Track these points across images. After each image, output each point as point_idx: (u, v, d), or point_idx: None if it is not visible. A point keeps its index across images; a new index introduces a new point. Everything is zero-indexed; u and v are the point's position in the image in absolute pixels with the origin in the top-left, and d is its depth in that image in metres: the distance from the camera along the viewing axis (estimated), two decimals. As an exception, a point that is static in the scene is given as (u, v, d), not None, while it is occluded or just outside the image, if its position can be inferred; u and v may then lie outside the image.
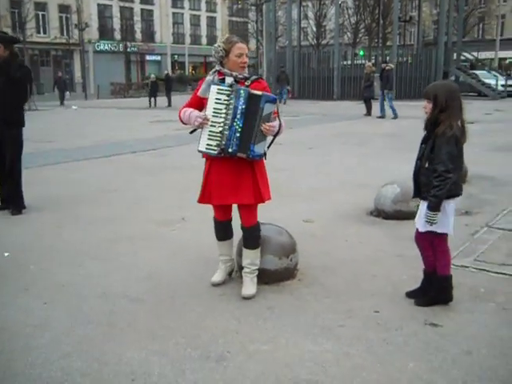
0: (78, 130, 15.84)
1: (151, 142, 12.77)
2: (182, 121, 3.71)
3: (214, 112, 3.51)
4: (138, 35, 49.33)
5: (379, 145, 11.68)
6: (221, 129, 3.50)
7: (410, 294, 3.76)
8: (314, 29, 50.46)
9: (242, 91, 3.46)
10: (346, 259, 4.55)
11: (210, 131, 3.51)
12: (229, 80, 3.55)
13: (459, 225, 5.43)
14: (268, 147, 3.69)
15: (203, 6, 55.84)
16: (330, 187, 7.44)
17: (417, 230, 3.63)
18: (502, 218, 5.72)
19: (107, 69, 45.22)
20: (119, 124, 18.06)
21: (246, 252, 3.87)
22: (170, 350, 3.07)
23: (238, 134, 3.47)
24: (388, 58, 27.50)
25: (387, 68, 19.28)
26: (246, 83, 3.58)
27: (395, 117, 18.07)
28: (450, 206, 3.47)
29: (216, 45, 3.61)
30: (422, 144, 3.53)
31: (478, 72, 31.24)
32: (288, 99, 26.86)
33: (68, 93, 28.32)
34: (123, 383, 2.76)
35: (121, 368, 2.89)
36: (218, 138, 3.50)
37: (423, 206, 3.49)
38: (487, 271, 4.23)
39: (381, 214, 5.83)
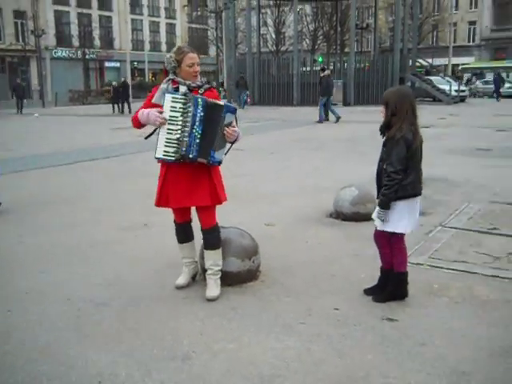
0: (38, 138, 15.61)
1: (113, 148, 12.71)
2: (136, 122, 3.78)
3: (169, 119, 3.62)
4: (97, 42, 48.79)
5: (338, 149, 11.94)
6: (178, 136, 3.60)
7: (367, 291, 3.93)
8: (274, 36, 50.98)
9: (199, 100, 3.58)
10: (306, 260, 4.69)
11: (167, 138, 3.62)
12: (182, 89, 3.69)
13: (414, 225, 5.67)
14: (225, 153, 3.80)
15: (162, 12, 55.65)
16: (291, 191, 7.59)
17: (376, 228, 3.80)
18: (454, 217, 5.98)
19: (65, 76, 44.54)
20: (80, 131, 17.86)
21: (207, 253, 3.97)
22: (136, 352, 3.13)
23: (197, 141, 3.59)
24: (325, 65, 28.01)
25: (324, 74, 20.21)
26: (199, 91, 3.72)
27: (337, 120, 18.95)
28: (404, 205, 3.63)
29: (168, 56, 3.75)
30: (383, 147, 3.71)
31: (432, 78, 32.18)
32: (247, 105, 27.14)
33: (25, 100, 27.77)
34: (91, 385, 2.81)
35: (87, 371, 2.94)
36: (176, 145, 3.61)
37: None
38: (440, 268, 4.44)
39: (340, 216, 6.01)
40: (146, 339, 3.27)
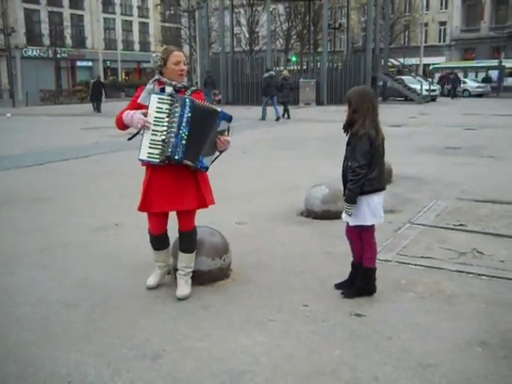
0: (8, 138, 15.36)
1: (84, 148, 12.59)
2: (121, 124, 3.71)
3: (155, 121, 3.57)
4: (69, 41, 48.14)
5: (311, 148, 12.03)
6: (163, 137, 3.55)
7: (338, 286, 4.00)
8: (247, 35, 51.01)
9: (187, 100, 3.55)
10: (277, 257, 4.74)
11: (152, 139, 3.56)
12: (168, 89, 3.65)
13: (384, 222, 5.75)
14: (213, 161, 3.79)
15: (135, 11, 55.20)
16: (263, 190, 7.64)
17: (347, 223, 3.87)
18: (422, 214, 6.10)
19: (36, 75, 43.85)
20: (51, 131, 17.63)
21: (181, 255, 3.97)
22: (105, 351, 3.13)
23: (184, 142, 3.55)
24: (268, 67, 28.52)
25: (264, 76, 21.57)
26: (186, 93, 3.69)
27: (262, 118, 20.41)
28: (370, 199, 3.71)
29: (154, 54, 3.71)
30: (347, 145, 3.78)
31: (404, 77, 32.64)
32: (215, 103, 27.21)
33: None
34: (59, 386, 2.81)
35: (56, 370, 2.93)
36: (160, 147, 3.56)
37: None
38: (408, 264, 4.53)
39: (311, 214, 6.07)
40: (115, 339, 3.28)
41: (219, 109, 3.67)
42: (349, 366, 2.96)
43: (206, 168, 3.72)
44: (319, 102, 28.92)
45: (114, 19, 52.73)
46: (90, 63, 49.60)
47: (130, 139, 3.81)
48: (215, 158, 3.80)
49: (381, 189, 3.75)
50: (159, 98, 3.58)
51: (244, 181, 8.39)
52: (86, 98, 32.70)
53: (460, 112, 22.84)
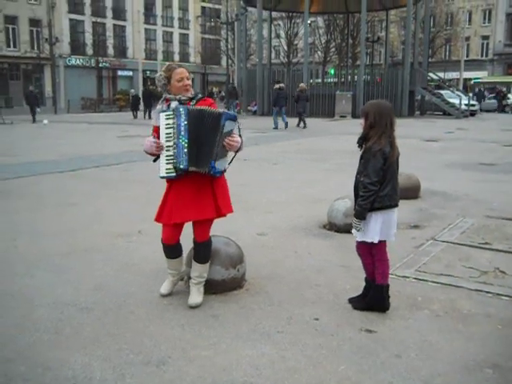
0: (45, 145, 15.79)
1: (116, 156, 12.83)
2: (149, 154, 3.81)
3: (166, 137, 3.66)
4: (110, 51, 49.33)
5: (340, 161, 11.95)
6: (174, 151, 3.64)
7: (351, 300, 3.95)
8: (285, 47, 51.24)
9: (181, 109, 3.61)
10: (293, 270, 4.71)
11: (167, 156, 3.66)
12: (173, 104, 3.72)
13: (407, 238, 5.71)
14: (230, 163, 3.83)
15: (176, 23, 56.18)
16: (288, 201, 7.63)
17: (357, 239, 3.83)
18: (447, 231, 5.98)
19: (78, 83, 45.03)
20: (87, 138, 18.04)
21: (195, 265, 3.99)
22: (112, 356, 3.17)
23: (185, 150, 3.61)
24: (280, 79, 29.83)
25: (275, 87, 23.38)
26: (191, 103, 3.76)
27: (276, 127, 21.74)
28: (380, 216, 3.65)
29: (158, 74, 3.82)
30: (360, 159, 3.76)
31: (442, 92, 32.17)
32: (240, 113, 28.01)
33: (38, 109, 28.01)
34: (64, 387, 2.86)
35: (63, 372, 2.99)
36: (172, 160, 3.65)
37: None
38: (426, 281, 4.45)
39: (333, 227, 6.03)
40: (123, 344, 3.32)
41: (221, 110, 3.69)
42: (352, 382, 2.92)
43: (221, 172, 3.73)
44: (355, 115, 28.72)
45: (155, 30, 53.76)
46: (130, 73, 50.66)
47: (154, 161, 3.85)
48: (232, 159, 3.82)
49: (392, 206, 3.69)
50: (166, 115, 3.67)
51: (269, 192, 8.39)
52: (125, 107, 34.43)
53: (499, 128, 22.34)
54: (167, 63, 3.99)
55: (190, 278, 4.04)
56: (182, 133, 3.61)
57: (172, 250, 4.03)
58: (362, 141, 3.67)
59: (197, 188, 3.75)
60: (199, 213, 3.79)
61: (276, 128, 21.75)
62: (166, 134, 3.65)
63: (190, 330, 3.52)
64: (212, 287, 4.07)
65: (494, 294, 4.17)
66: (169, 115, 3.65)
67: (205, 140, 3.63)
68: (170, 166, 3.65)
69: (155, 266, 4.71)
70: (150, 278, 4.49)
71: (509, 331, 3.56)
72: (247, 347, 3.29)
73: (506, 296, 4.13)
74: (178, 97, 3.73)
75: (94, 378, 2.94)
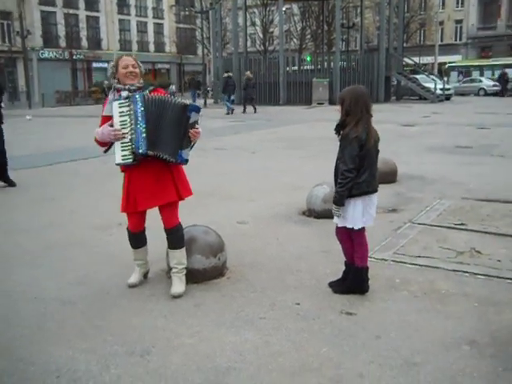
0: (21, 139, 15.56)
1: (93, 149, 12.67)
2: (98, 142, 3.85)
3: (121, 125, 3.69)
4: (84, 42, 48.61)
5: (318, 148, 12.01)
6: (130, 137, 3.68)
7: (331, 284, 4.02)
8: (261, 35, 51.04)
9: (136, 96, 3.68)
10: (274, 256, 4.77)
11: (122, 143, 3.70)
12: (124, 93, 3.78)
13: (385, 221, 5.79)
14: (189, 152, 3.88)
15: (150, 12, 55.50)
16: (267, 190, 7.67)
17: (337, 224, 3.89)
18: (424, 213, 6.08)
19: (52, 77, 44.29)
20: (63, 132, 17.84)
21: (172, 253, 4.03)
22: (97, 348, 3.19)
23: (143, 135, 3.66)
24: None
25: (224, 76, 25.64)
26: (144, 92, 3.81)
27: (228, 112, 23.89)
28: (359, 202, 3.72)
29: (110, 64, 3.94)
30: (340, 146, 3.80)
31: (418, 76, 32.40)
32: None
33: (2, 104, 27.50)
34: (48, 380, 2.88)
35: (47, 366, 3.00)
36: (129, 146, 3.69)
37: None
38: (404, 263, 4.53)
39: (312, 213, 6.09)
40: (107, 335, 3.34)
41: (187, 101, 3.81)
42: (334, 363, 2.98)
43: (187, 161, 3.84)
44: (332, 102, 28.79)
45: (129, 20, 53.09)
46: (105, 64, 49.87)
47: (106, 151, 3.95)
48: (191, 148, 3.89)
49: (371, 192, 3.74)
50: (119, 103, 3.71)
51: (249, 180, 8.42)
52: (101, 99, 33.72)
53: (474, 111, 22.62)
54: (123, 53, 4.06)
55: (170, 268, 4.07)
56: (140, 118, 3.65)
57: (139, 237, 4.11)
58: (340, 127, 3.71)
59: (156, 174, 3.83)
60: (162, 197, 3.87)
61: (228, 114, 23.79)
62: (121, 121, 3.68)
63: (173, 320, 3.55)
64: (193, 276, 4.10)
65: (471, 273, 4.27)
66: (122, 103, 3.69)
67: (169, 129, 3.72)
68: (127, 153, 3.69)
69: (136, 257, 4.72)
70: (130, 269, 4.46)
71: (485, 309, 3.66)
72: (230, 334, 3.34)
73: (482, 275, 4.23)
74: (126, 86, 3.80)
75: (78, 370, 2.96)
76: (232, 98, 25.21)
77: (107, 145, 3.84)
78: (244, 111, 24.53)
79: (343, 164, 3.63)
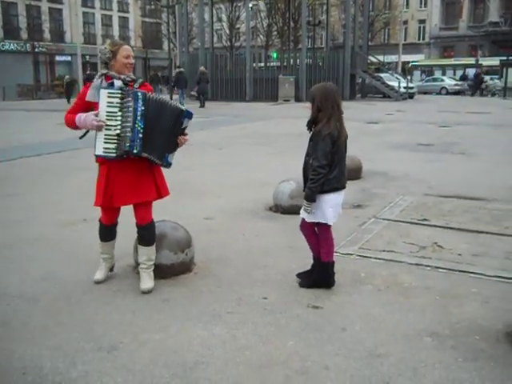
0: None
1: (58, 144, 12.48)
2: (72, 125, 3.75)
3: (107, 115, 3.59)
4: (47, 35, 47.56)
5: (285, 144, 12.10)
6: (118, 131, 3.58)
7: (299, 275, 4.09)
8: (228, 31, 50.92)
9: (139, 94, 3.59)
10: (241, 252, 4.80)
11: (106, 135, 3.59)
12: (118, 83, 3.66)
13: (350, 217, 5.89)
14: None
15: (115, 5, 54.65)
16: (234, 186, 7.69)
17: (302, 218, 3.94)
18: (388, 209, 6.21)
19: (13, 69, 43.15)
20: (26, 126, 17.45)
21: (142, 249, 4.01)
22: (63, 345, 3.17)
23: (140, 135, 3.59)
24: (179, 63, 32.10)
25: (176, 71, 26.95)
26: (134, 85, 3.73)
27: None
28: (329, 198, 3.78)
29: (102, 47, 3.71)
30: (309, 141, 3.85)
31: (382, 75, 32.90)
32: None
33: None
34: (15, 377, 2.84)
35: (12, 364, 2.96)
36: (116, 141, 3.59)
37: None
38: (369, 257, 4.63)
39: (279, 209, 6.15)
40: (74, 332, 3.31)
41: (183, 107, 3.77)
42: (300, 356, 3.04)
43: (170, 164, 3.82)
44: (298, 99, 29.00)
45: (94, 14, 52.19)
46: (69, 58, 49.03)
47: (81, 138, 3.88)
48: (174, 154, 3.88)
49: (340, 188, 3.81)
50: (109, 93, 3.59)
51: (216, 177, 8.43)
52: (63, 94, 33.28)
53: (436, 109, 23.13)
54: (108, 40, 3.91)
55: (138, 264, 4.05)
56: (139, 118, 3.57)
57: (110, 230, 4.07)
58: (311, 124, 3.75)
59: (137, 171, 3.77)
60: (141, 195, 3.83)
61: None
62: (109, 112, 3.58)
63: (141, 315, 3.55)
64: (161, 272, 4.09)
65: (433, 267, 4.39)
66: (113, 93, 3.58)
67: (163, 132, 3.67)
68: (111, 146, 3.59)
69: (103, 253, 4.68)
70: (96, 265, 4.42)
71: (446, 301, 3.77)
72: (198, 329, 3.36)
73: (443, 269, 4.36)
74: (122, 76, 3.68)
75: (44, 367, 2.93)
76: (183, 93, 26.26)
77: (79, 128, 3.73)
78: (202, 105, 24.89)
79: (316, 160, 3.67)
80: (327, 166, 3.66)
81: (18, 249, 4.93)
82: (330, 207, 3.81)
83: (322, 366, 2.94)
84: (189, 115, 3.75)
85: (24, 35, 45.38)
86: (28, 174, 8.86)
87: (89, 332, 3.31)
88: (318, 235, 3.91)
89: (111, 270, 4.22)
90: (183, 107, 3.79)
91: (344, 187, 3.86)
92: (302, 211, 3.87)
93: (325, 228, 3.89)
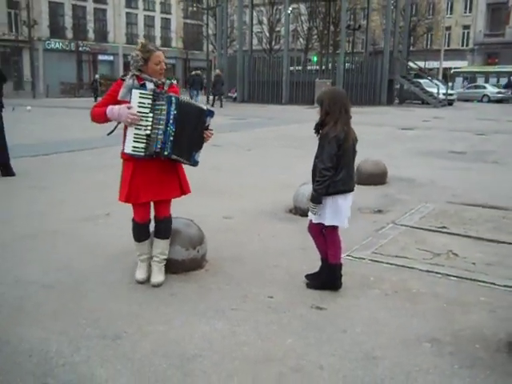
0: (23, 129, 15.69)
1: (92, 140, 12.80)
2: (101, 117, 3.82)
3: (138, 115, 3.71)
4: (91, 34, 48.77)
5: (315, 148, 12.08)
6: (148, 132, 3.70)
7: (308, 276, 4.13)
8: (268, 34, 51.09)
9: (173, 98, 3.70)
10: (255, 252, 4.87)
11: (136, 134, 3.71)
12: (150, 85, 3.78)
13: (368, 222, 5.90)
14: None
15: (157, 7, 55.64)
16: (258, 186, 7.77)
17: (310, 220, 3.98)
18: (408, 216, 6.17)
19: (58, 68, 44.50)
20: (65, 123, 17.98)
21: (157, 242, 4.12)
22: (70, 330, 3.30)
23: (171, 138, 3.71)
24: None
25: (191, 74, 28.51)
26: (164, 87, 3.85)
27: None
28: (338, 200, 3.81)
29: (134, 54, 3.79)
30: (319, 145, 3.90)
31: (421, 81, 32.46)
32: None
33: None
34: (21, 359, 2.98)
35: (21, 346, 3.11)
36: (145, 141, 3.71)
37: None
38: (380, 262, 4.63)
39: (298, 211, 6.19)
40: (81, 319, 3.45)
41: (204, 107, 3.89)
42: (297, 354, 3.08)
43: (198, 163, 3.93)
44: (334, 103, 28.84)
45: (137, 14, 53.22)
46: (111, 57, 50.21)
47: (109, 134, 3.98)
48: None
49: (347, 191, 3.83)
50: (141, 93, 3.70)
51: (241, 177, 8.52)
52: (106, 92, 34.24)
53: (475, 117, 22.69)
54: (139, 41, 4.00)
55: (151, 257, 4.17)
56: (171, 121, 3.69)
57: (145, 229, 4.09)
58: (319, 127, 3.80)
59: (162, 168, 3.88)
60: (166, 192, 3.96)
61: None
62: (139, 112, 3.67)
63: (148, 308, 3.66)
64: (172, 267, 4.20)
65: (444, 274, 4.37)
66: (144, 94, 3.69)
67: (189, 132, 3.78)
68: (140, 146, 3.70)
69: (120, 247, 4.83)
70: (114, 258, 4.61)
71: (452, 308, 3.75)
72: (201, 323, 3.44)
73: (454, 276, 4.33)
74: (154, 80, 3.79)
75: (50, 351, 3.06)
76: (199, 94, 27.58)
77: (107, 122, 3.81)
78: (213, 105, 26.28)
79: (321, 162, 3.72)
80: (332, 169, 3.70)
81: (40, 239, 5.13)
82: (333, 210, 3.83)
83: (316, 365, 2.98)
84: (210, 114, 3.87)
85: (69, 35, 46.63)
86: (59, 168, 9.15)
87: (96, 320, 3.44)
88: (326, 237, 3.95)
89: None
90: (205, 106, 3.90)
91: (352, 190, 3.89)
92: (309, 213, 3.92)
93: (332, 230, 3.93)
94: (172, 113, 3.69)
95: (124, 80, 3.81)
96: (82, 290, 3.93)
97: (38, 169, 9.08)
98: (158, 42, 55.13)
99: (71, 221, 5.78)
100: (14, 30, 43.34)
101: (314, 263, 4.28)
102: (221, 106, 26.57)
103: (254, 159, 10.48)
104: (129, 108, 3.66)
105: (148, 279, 4.11)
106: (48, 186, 7.60)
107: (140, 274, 4.13)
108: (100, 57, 50.43)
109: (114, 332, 3.30)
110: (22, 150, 11.03)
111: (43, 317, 3.47)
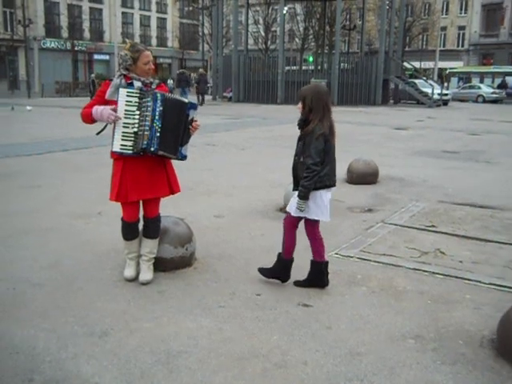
0: (17, 128, 15.71)
1: (86, 140, 12.82)
2: (88, 119, 3.88)
3: (125, 114, 3.75)
4: (86, 34, 48.72)
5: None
6: (135, 130, 3.74)
7: (261, 270, 4.18)
8: (263, 34, 51.14)
9: (158, 95, 3.74)
10: (244, 250, 4.90)
11: (124, 132, 3.75)
12: (137, 84, 3.82)
13: (358, 221, 5.94)
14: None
15: (153, 6, 55.63)
16: (250, 186, 7.80)
17: (288, 213, 4.01)
18: (398, 215, 6.22)
19: (53, 67, 44.47)
20: (60, 123, 17.97)
21: (146, 242, 4.15)
22: (58, 328, 3.33)
23: (158, 134, 3.75)
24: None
25: (178, 72, 29.60)
26: (152, 86, 3.89)
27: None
28: (322, 195, 3.85)
29: (123, 53, 3.83)
30: (298, 141, 3.94)
31: (416, 81, 32.57)
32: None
33: None
34: (7, 355, 3.01)
35: (8, 343, 3.13)
36: (133, 139, 3.75)
37: (295, 194, 3.89)
38: (368, 260, 4.67)
39: (288, 210, 6.21)
40: (69, 317, 3.48)
41: (186, 100, 3.92)
42: (282, 350, 3.12)
43: (186, 157, 3.95)
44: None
45: (133, 14, 53.20)
46: (107, 57, 50.16)
47: (98, 134, 4.02)
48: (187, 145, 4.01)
49: (332, 185, 3.89)
50: (128, 92, 3.75)
51: (233, 176, 8.56)
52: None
53: (469, 117, 22.78)
54: (128, 41, 4.04)
55: (140, 256, 4.20)
56: (157, 117, 3.73)
57: (133, 228, 4.12)
58: (303, 123, 3.84)
59: (151, 167, 3.91)
60: (155, 191, 3.98)
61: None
62: (127, 111, 3.72)
63: (135, 305, 3.69)
64: (161, 265, 4.23)
65: (430, 272, 4.41)
66: (131, 93, 3.73)
67: (174, 127, 3.81)
68: (128, 144, 3.74)
69: (110, 245, 4.86)
70: (104, 256, 4.64)
71: (437, 306, 3.80)
72: (188, 320, 3.48)
73: (441, 274, 4.37)
74: (142, 79, 3.83)
75: (37, 348, 3.09)
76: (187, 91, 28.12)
77: (95, 122, 3.86)
78: (201, 104, 27.05)
79: (309, 158, 3.75)
80: (320, 164, 3.74)
81: (31, 237, 5.15)
82: (318, 204, 3.87)
83: (300, 360, 3.02)
84: (193, 106, 3.88)
85: (64, 34, 46.56)
86: (52, 167, 9.16)
87: (84, 318, 3.47)
88: (307, 233, 4.00)
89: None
90: (186, 100, 3.93)
91: (334, 185, 3.94)
92: (288, 206, 3.95)
93: (314, 226, 3.98)
94: (158, 109, 3.73)
95: (112, 80, 3.85)
96: (71, 287, 3.96)
97: (32, 168, 9.09)
98: (154, 41, 55.18)
99: (63, 219, 5.81)
100: (9, 29, 43.25)
101: (301, 261, 4.32)
102: (201, 104, 26.63)
103: (247, 159, 10.51)
104: (114, 110, 3.71)
105: (137, 277, 4.14)
106: (41, 184, 7.62)
107: (129, 272, 4.16)
108: (96, 56, 50.41)
109: (102, 329, 3.33)
110: (15, 149, 11.06)
111: (32, 314, 3.50)
